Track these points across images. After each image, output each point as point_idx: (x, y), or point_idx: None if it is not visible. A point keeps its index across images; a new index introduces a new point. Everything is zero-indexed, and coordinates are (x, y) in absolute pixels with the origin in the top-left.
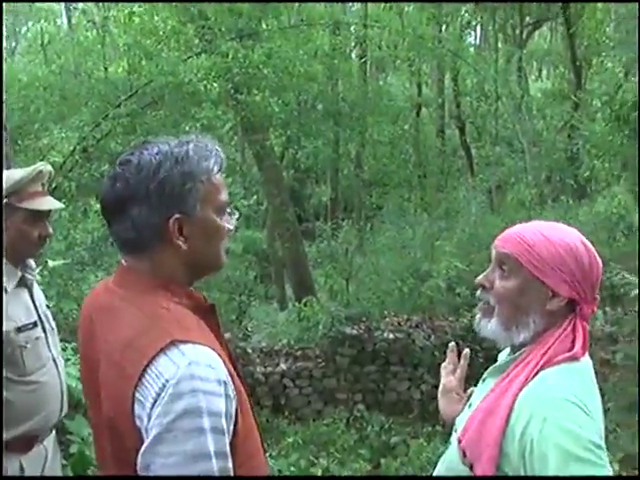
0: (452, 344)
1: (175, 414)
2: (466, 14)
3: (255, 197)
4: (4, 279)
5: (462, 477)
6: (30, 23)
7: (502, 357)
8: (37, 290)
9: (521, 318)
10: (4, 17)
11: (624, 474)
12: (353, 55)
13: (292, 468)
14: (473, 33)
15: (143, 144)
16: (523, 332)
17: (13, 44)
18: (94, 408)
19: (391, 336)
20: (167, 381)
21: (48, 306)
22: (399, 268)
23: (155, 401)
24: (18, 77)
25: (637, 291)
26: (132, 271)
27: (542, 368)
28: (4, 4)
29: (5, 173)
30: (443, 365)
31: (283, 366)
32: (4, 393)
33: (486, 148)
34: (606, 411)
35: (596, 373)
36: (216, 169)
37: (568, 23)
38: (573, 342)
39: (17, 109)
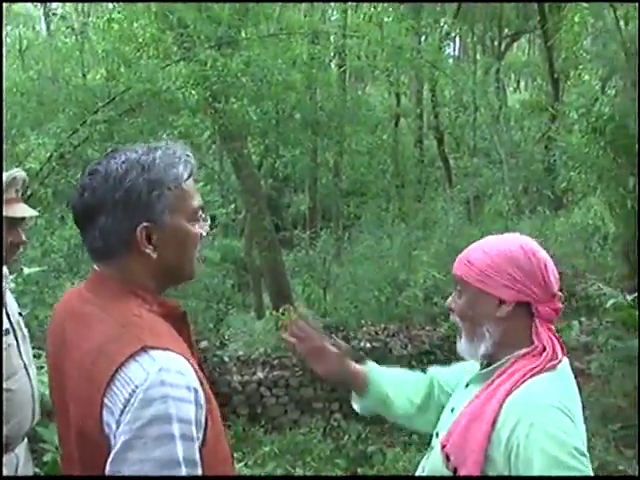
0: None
1: (144, 420)
2: (445, 25)
3: (233, 205)
4: None
5: (449, 477)
6: (9, 28)
7: (473, 365)
8: (10, 298)
9: (477, 330)
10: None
11: None
12: (332, 65)
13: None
14: (452, 44)
15: (111, 152)
16: (482, 343)
17: None
18: (61, 414)
19: (368, 345)
20: (137, 387)
21: (20, 314)
22: (377, 277)
23: (124, 407)
24: None
25: (611, 301)
26: (103, 277)
27: (528, 377)
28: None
29: None
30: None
31: (260, 375)
32: None
33: (464, 159)
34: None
35: None
36: (186, 175)
37: (546, 36)
38: (554, 350)
39: None
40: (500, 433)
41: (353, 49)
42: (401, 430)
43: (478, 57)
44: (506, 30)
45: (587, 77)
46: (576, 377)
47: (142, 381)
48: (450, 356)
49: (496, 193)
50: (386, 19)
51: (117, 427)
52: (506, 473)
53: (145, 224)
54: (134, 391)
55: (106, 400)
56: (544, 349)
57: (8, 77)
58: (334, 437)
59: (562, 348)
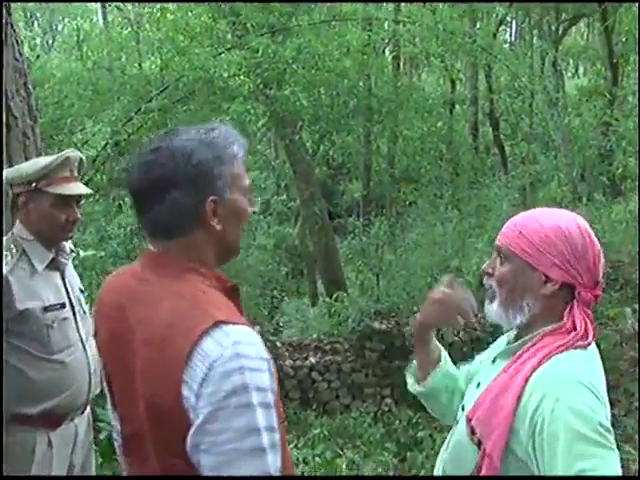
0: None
1: (224, 392)
2: (500, 10)
3: (287, 193)
4: (34, 259)
5: (470, 477)
6: (66, 20)
7: (500, 344)
8: (71, 274)
9: (516, 301)
10: (39, 14)
11: None
12: (385, 51)
13: (317, 459)
14: (508, 29)
15: (168, 133)
16: (519, 315)
17: (50, 40)
18: (124, 393)
19: None
20: (214, 361)
21: (82, 290)
22: (429, 264)
23: (203, 381)
24: (53, 72)
25: None
26: (165, 256)
27: (555, 353)
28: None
29: (33, 160)
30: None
31: (312, 360)
32: (26, 369)
33: (520, 145)
34: (635, 409)
35: (626, 372)
36: (241, 153)
37: (605, 19)
38: (585, 329)
39: (51, 104)
40: (526, 407)
41: (406, 35)
42: None
43: (535, 42)
44: (564, 14)
45: None
46: (630, 366)
47: (218, 355)
48: None
49: (552, 180)
50: (440, 5)
51: (197, 401)
52: (530, 448)
53: (212, 198)
54: (212, 365)
55: (185, 376)
56: (574, 328)
57: (66, 68)
58: (385, 422)
59: (594, 332)
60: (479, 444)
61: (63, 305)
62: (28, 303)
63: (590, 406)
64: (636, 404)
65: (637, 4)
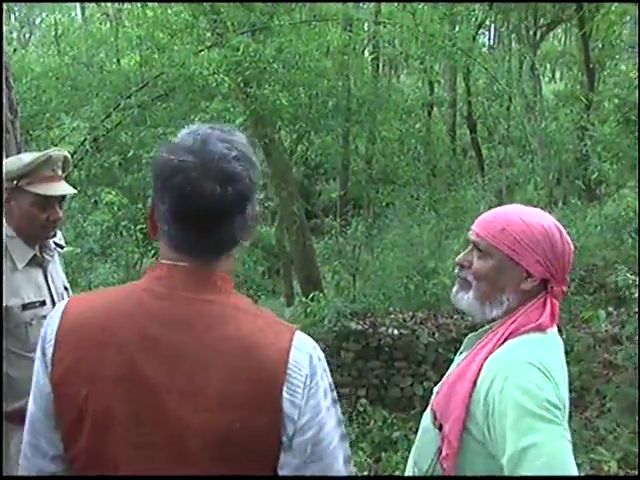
0: None
1: (320, 397)
2: (480, 13)
3: (264, 192)
4: (15, 256)
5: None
6: (44, 14)
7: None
8: (56, 270)
9: (496, 295)
10: (14, 8)
11: (622, 474)
12: (365, 52)
13: None
14: (487, 33)
15: (205, 136)
16: (496, 308)
17: (27, 35)
18: (155, 432)
19: (396, 332)
20: (308, 370)
21: (67, 288)
22: (406, 265)
23: (303, 391)
24: (31, 67)
25: (638, 292)
26: (212, 274)
27: (509, 337)
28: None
29: (17, 157)
30: None
31: None
32: (6, 366)
33: (497, 148)
34: (607, 411)
35: (599, 374)
36: None
37: (582, 25)
38: (541, 315)
39: (29, 99)
40: (480, 390)
41: (386, 36)
42: None
43: (513, 46)
44: (542, 19)
45: (624, 67)
46: (604, 369)
47: (308, 363)
48: None
49: (528, 183)
50: (420, 6)
51: (300, 413)
52: (485, 430)
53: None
54: (307, 375)
55: (285, 391)
56: (540, 318)
57: (44, 63)
58: (360, 422)
59: (554, 317)
60: (440, 428)
61: (43, 302)
62: (7, 300)
63: (537, 384)
64: (609, 405)
65: (637, 4)
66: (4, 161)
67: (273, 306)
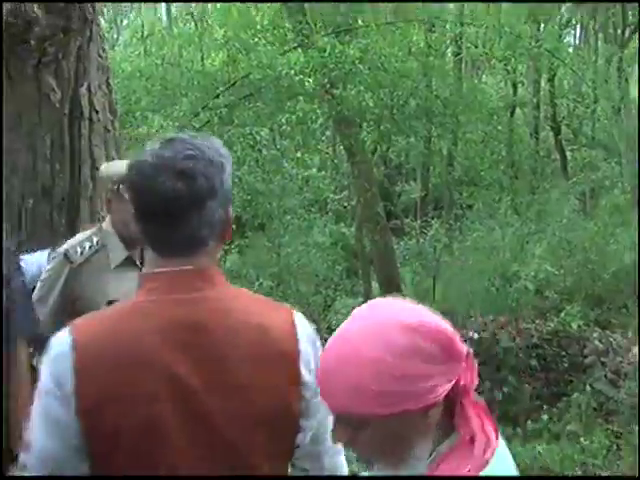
0: None
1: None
2: (565, 12)
3: (345, 192)
4: (110, 255)
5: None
6: (131, 15)
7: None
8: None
9: (405, 454)
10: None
11: None
12: (448, 53)
13: None
14: (572, 32)
15: (170, 140)
16: (413, 460)
17: (115, 35)
18: (193, 434)
19: (476, 335)
20: (312, 338)
21: None
22: (487, 268)
23: (313, 359)
24: (121, 68)
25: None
26: (201, 271)
27: None
28: None
29: (120, 162)
30: None
31: None
32: None
33: (581, 151)
34: None
35: None
36: None
37: None
38: (487, 436)
39: (120, 98)
40: None
41: (470, 37)
42: (505, 422)
43: (599, 45)
44: (630, 17)
45: None
46: None
47: (309, 333)
48: (559, 351)
49: (613, 187)
50: (504, 6)
51: (314, 377)
52: None
53: (230, 207)
54: (312, 342)
55: (301, 363)
56: (472, 439)
57: (132, 62)
58: None
59: (495, 429)
60: None
61: None
62: (96, 296)
63: None
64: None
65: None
66: (104, 164)
67: (352, 306)
